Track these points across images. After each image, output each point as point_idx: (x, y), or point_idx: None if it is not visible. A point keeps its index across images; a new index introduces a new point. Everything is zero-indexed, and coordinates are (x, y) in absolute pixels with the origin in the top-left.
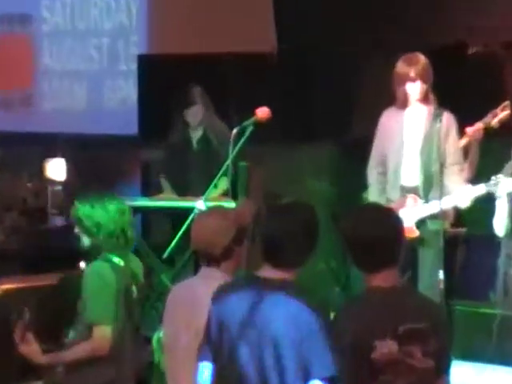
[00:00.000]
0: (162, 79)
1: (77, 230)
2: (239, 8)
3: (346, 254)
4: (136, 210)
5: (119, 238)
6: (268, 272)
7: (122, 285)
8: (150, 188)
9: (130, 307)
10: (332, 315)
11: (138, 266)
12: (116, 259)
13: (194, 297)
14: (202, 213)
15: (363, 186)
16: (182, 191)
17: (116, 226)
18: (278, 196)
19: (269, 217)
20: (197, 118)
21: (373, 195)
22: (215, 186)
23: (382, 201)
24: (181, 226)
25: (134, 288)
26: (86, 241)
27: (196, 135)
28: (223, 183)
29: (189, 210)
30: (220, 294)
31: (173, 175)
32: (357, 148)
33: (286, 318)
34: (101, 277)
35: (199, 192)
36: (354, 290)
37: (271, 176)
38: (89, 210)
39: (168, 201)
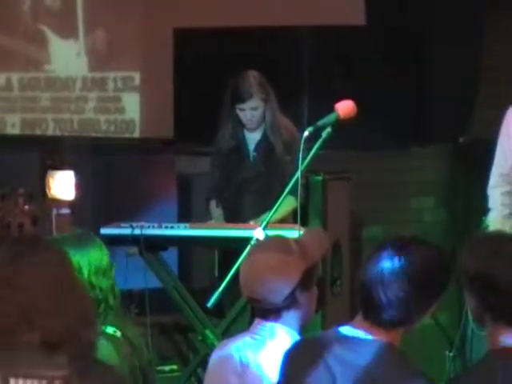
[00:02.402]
0: (208, 62)
1: None
2: None
3: (461, 304)
4: (172, 241)
5: (108, 297)
6: (362, 329)
7: (127, 369)
8: (190, 211)
9: None
10: None
11: (134, 332)
12: (110, 329)
13: (241, 361)
14: (255, 246)
15: (484, 208)
16: (234, 215)
17: (102, 279)
18: (369, 222)
19: (374, 258)
20: (254, 115)
21: (495, 222)
22: (279, 208)
23: (506, 230)
24: (232, 264)
25: (137, 368)
26: None
27: (253, 139)
28: (290, 204)
29: (243, 242)
30: (293, 361)
31: (221, 193)
32: (477, 154)
33: None
34: None
35: (257, 216)
36: (472, 354)
37: (358, 194)
38: None
39: (215, 229)
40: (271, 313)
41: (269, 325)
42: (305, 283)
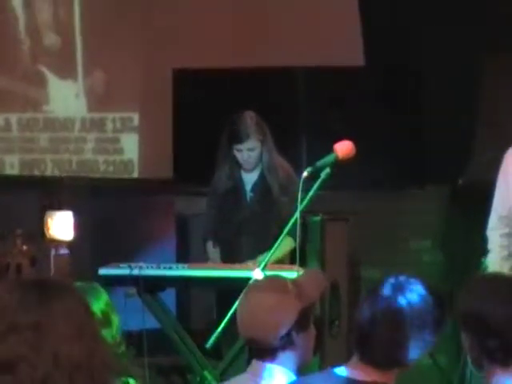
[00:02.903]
0: (207, 102)
1: None
2: (314, 12)
3: (460, 346)
4: (170, 281)
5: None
6: (357, 370)
7: None
8: (188, 251)
9: None
10: None
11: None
12: (132, 381)
13: None
14: (251, 286)
15: (483, 249)
16: (231, 256)
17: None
18: (367, 263)
19: (369, 298)
20: (251, 155)
21: (493, 264)
22: (277, 249)
23: (505, 271)
24: (230, 305)
25: None
26: None
27: (250, 179)
28: (288, 245)
29: (241, 283)
30: None
31: (218, 234)
32: (476, 196)
33: None
34: None
35: (253, 256)
36: None
37: (357, 235)
38: None
39: (213, 270)
40: (267, 353)
41: (265, 365)
42: (301, 324)
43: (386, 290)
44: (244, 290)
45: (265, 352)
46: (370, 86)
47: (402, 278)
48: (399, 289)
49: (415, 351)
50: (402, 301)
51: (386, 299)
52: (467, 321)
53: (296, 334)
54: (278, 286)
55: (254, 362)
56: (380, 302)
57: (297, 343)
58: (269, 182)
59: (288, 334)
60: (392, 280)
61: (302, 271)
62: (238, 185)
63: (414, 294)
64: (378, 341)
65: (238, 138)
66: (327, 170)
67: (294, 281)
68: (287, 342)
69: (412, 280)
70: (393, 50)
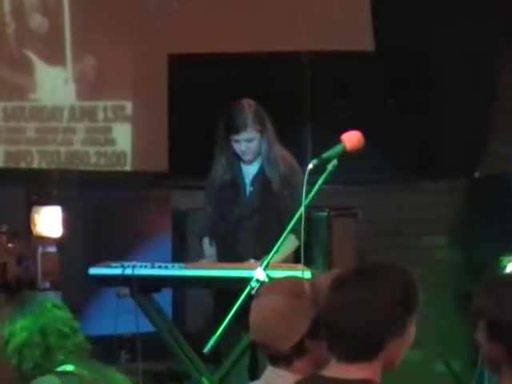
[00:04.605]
0: (205, 90)
1: None
2: None
3: (476, 351)
4: (165, 281)
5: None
6: (338, 368)
7: None
8: (185, 249)
9: None
10: None
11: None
12: (68, 367)
13: None
14: (264, 288)
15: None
16: (229, 254)
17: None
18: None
19: (336, 287)
20: (249, 147)
21: None
22: (280, 248)
23: None
24: (229, 307)
25: None
26: None
27: (250, 172)
28: (292, 243)
29: (242, 283)
30: None
31: (215, 230)
32: (492, 190)
33: None
34: None
35: (254, 255)
36: None
37: (366, 231)
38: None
39: (211, 269)
40: (281, 360)
41: (280, 372)
42: (316, 331)
43: (351, 278)
44: (257, 293)
45: (278, 358)
46: (379, 73)
47: (367, 264)
48: (364, 274)
49: (388, 333)
50: (367, 285)
51: (351, 287)
52: (486, 324)
53: (310, 341)
54: (293, 289)
55: (269, 369)
56: (345, 290)
57: (311, 351)
58: (269, 175)
59: (301, 342)
60: (357, 267)
61: (307, 270)
62: (237, 178)
63: (378, 277)
64: (349, 329)
65: (234, 127)
66: (334, 162)
67: (311, 283)
68: (300, 350)
69: (378, 264)
70: (403, 35)
